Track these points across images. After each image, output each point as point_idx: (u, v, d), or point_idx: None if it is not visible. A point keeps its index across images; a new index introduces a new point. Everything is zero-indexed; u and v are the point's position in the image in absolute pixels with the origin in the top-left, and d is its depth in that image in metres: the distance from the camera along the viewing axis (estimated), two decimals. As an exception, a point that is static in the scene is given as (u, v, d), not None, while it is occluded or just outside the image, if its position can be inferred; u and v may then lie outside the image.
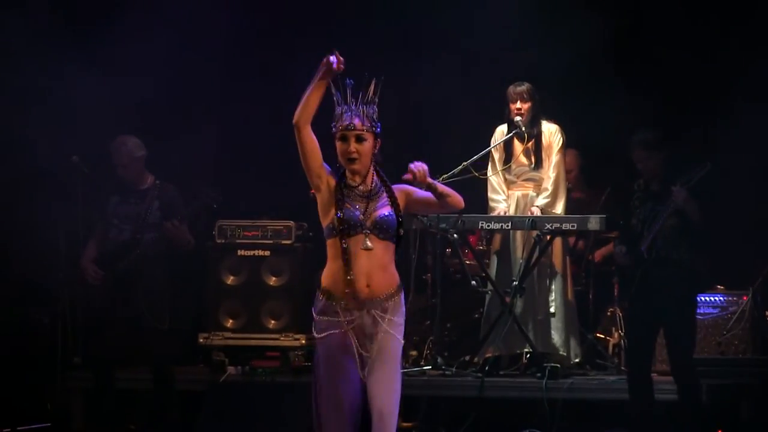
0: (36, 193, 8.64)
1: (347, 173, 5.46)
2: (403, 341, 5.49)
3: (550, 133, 8.68)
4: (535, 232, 8.42)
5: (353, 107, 5.43)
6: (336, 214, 5.37)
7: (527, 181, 8.74)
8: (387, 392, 5.38)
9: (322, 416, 5.39)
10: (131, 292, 7.73)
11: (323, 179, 5.44)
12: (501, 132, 8.73)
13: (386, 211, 5.43)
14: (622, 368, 8.39)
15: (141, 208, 7.87)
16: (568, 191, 8.88)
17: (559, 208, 8.60)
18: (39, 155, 8.65)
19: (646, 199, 7.56)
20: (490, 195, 8.74)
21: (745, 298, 8.64)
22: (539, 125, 8.65)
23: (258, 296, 8.88)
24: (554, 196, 8.61)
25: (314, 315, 5.46)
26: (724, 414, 8.01)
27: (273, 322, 8.86)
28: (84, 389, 8.51)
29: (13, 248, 8.77)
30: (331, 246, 5.42)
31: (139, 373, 8.21)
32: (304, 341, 8.64)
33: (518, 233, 8.66)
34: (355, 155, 5.41)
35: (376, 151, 5.48)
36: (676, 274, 7.40)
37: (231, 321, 8.88)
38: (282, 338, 8.77)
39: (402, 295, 5.50)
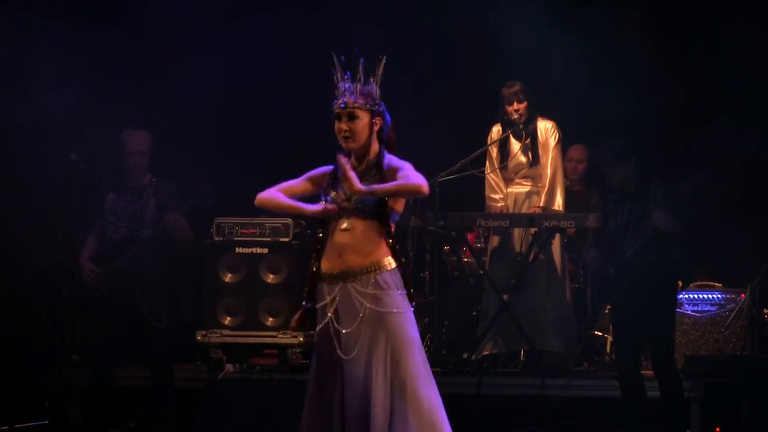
0: (34, 191, 8.63)
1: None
2: (405, 324, 5.13)
3: (546, 129, 8.68)
4: (533, 230, 8.43)
5: (348, 85, 5.27)
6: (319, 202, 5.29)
7: (525, 178, 8.75)
8: (374, 386, 5.09)
9: (305, 408, 5.24)
10: (129, 290, 7.73)
11: (318, 185, 5.37)
12: (497, 130, 8.74)
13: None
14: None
15: (138, 206, 7.85)
16: (569, 186, 8.89)
17: (557, 204, 8.60)
18: (38, 153, 8.65)
19: (623, 200, 7.38)
20: (488, 194, 8.75)
21: (743, 295, 8.65)
22: (535, 122, 8.66)
23: (256, 294, 8.86)
24: (552, 193, 8.62)
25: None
26: (722, 412, 8.00)
27: (271, 319, 8.85)
28: (82, 387, 8.51)
29: (11, 246, 8.76)
30: None
31: (138, 371, 8.20)
32: (302, 339, 8.63)
33: (516, 231, 8.66)
34: (345, 134, 5.26)
35: (377, 128, 5.29)
36: (658, 275, 7.27)
37: (229, 318, 8.87)
38: (280, 336, 8.76)
39: (391, 274, 5.18)
